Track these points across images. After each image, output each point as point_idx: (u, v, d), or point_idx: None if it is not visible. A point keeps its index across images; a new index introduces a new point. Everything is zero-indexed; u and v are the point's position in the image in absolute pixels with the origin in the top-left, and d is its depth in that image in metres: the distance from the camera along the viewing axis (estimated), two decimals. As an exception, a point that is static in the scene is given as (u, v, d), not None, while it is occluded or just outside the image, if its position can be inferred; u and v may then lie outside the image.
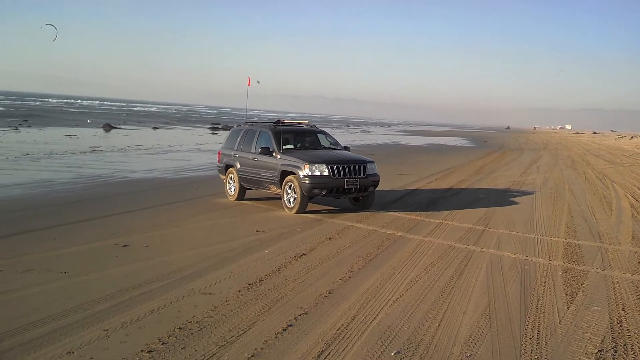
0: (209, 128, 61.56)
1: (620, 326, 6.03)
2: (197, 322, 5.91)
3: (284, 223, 11.58)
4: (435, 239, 10.26)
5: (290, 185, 12.85)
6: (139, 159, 24.87)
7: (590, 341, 5.59)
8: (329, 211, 13.19)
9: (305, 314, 6.25)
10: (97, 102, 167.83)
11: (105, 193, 14.95)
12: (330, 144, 14.77)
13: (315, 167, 12.56)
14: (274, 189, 13.64)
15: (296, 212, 12.68)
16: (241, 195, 14.66)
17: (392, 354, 5.22)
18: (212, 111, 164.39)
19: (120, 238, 9.69)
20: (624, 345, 5.51)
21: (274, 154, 13.49)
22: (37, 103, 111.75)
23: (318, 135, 14.95)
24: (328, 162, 12.70)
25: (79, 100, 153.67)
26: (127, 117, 79.84)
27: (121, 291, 6.89)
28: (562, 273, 8.06)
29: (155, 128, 55.91)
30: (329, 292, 7.04)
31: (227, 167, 15.10)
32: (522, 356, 5.22)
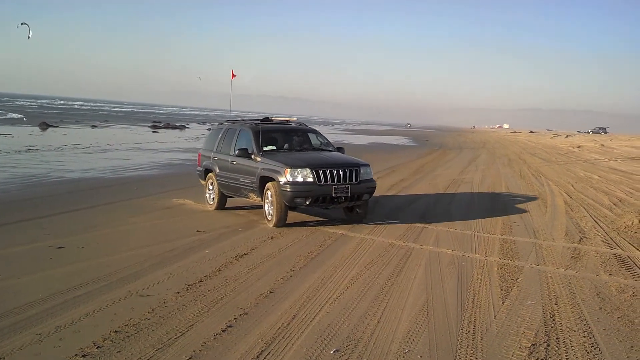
0: (149, 127, 60.51)
1: (553, 320, 6.20)
2: (133, 324, 5.79)
3: (225, 223, 11.48)
4: (376, 237, 10.35)
5: (270, 194, 11.22)
6: (76, 158, 24.24)
7: (524, 335, 5.73)
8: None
9: (246, 314, 6.21)
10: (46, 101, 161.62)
11: (40, 193, 14.52)
12: (321, 144, 13.11)
13: (298, 172, 10.93)
14: (253, 197, 12.08)
15: (275, 225, 11.12)
16: (221, 204, 13.15)
17: (332, 352, 5.24)
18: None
19: (55, 239, 9.42)
20: (557, 338, 5.66)
21: (253, 156, 11.88)
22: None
23: (306, 134, 13.29)
24: (312, 166, 11.03)
25: (22, 101, 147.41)
26: (67, 115, 77.67)
27: (55, 294, 6.70)
28: (498, 269, 8.26)
29: (93, 126, 54.55)
30: (270, 292, 7.01)
31: (207, 171, 13.60)
32: (458, 351, 5.32)
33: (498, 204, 14.83)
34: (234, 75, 14.19)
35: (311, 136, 13.28)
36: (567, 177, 22.80)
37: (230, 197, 13.12)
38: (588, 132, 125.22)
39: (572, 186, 19.16)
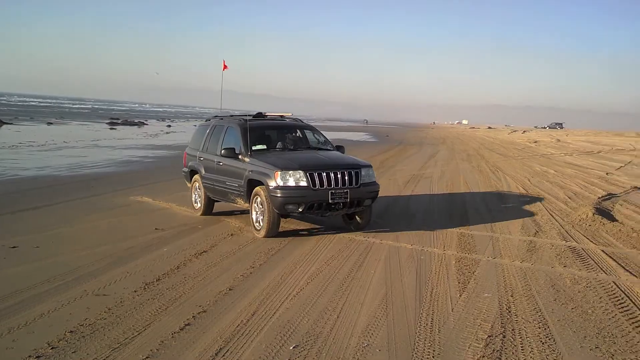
0: (107, 123, 59.58)
1: (509, 312, 6.30)
2: (89, 324, 5.69)
3: (184, 220, 11.36)
4: (336, 232, 10.37)
5: (259, 199, 10.02)
6: (31, 156, 23.66)
7: (481, 327, 5.82)
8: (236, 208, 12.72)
9: (204, 312, 6.16)
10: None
11: (-7, 192, 14.14)
12: (319, 142, 11.90)
13: (289, 175, 9.65)
14: (241, 203, 10.90)
15: (265, 236, 9.85)
16: (209, 209, 11.98)
17: (291, 347, 5.24)
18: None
19: (9, 239, 9.19)
20: (512, 330, 5.76)
21: (240, 156, 10.62)
22: None
23: (302, 131, 12.01)
24: (306, 168, 9.73)
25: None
26: (23, 112, 75.84)
27: (8, 295, 6.54)
28: (456, 262, 8.36)
29: (49, 124, 53.39)
30: (230, 289, 6.97)
31: (192, 172, 12.48)
32: (416, 343, 5.37)
33: (456, 199, 15.01)
34: (225, 67, 12.69)
35: (307, 133, 12.04)
36: (524, 171, 23.21)
37: (217, 201, 12.05)
38: (545, 128, 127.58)
39: (529, 180, 19.51)
